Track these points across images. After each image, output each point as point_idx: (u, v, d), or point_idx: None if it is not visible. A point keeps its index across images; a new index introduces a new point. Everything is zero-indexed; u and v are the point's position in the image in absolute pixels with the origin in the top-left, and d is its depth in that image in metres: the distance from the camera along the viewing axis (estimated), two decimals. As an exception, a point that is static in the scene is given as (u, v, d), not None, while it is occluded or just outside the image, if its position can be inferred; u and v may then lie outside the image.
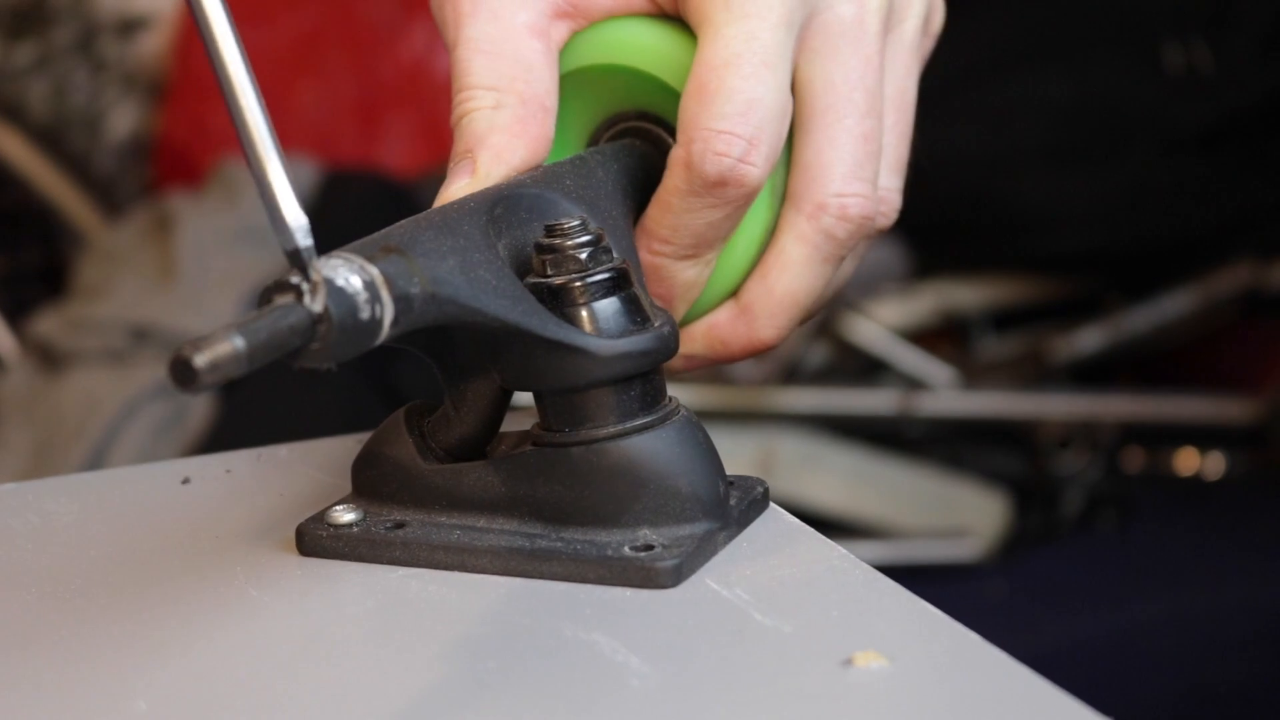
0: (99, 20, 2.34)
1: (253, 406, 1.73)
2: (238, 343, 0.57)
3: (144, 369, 1.78)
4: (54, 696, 0.62)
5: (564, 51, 0.79)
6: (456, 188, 0.73)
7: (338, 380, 1.70)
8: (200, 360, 0.56)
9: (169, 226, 1.94)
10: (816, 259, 0.78)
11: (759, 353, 0.80)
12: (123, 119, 2.38)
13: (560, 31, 0.78)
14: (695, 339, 0.80)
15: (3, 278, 2.22)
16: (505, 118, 0.74)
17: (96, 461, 1.72)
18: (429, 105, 2.34)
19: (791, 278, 0.78)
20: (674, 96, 0.78)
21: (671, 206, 0.75)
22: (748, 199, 0.75)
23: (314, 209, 1.91)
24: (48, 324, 1.87)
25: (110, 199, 2.27)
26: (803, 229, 0.77)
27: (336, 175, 1.98)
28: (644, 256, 0.77)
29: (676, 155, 0.75)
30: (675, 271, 0.77)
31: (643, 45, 0.78)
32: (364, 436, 0.75)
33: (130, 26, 2.34)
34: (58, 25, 2.33)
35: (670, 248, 0.76)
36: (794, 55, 0.76)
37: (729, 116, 0.74)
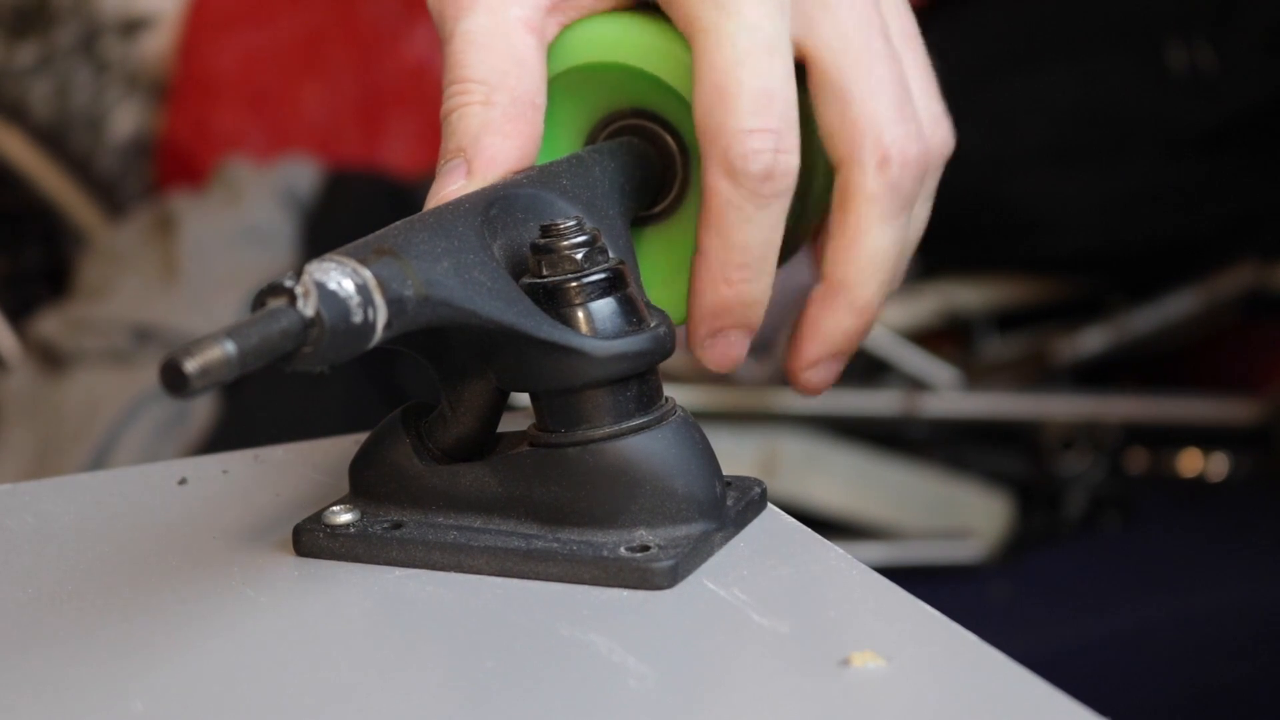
0: (101, 20, 2.34)
1: (256, 407, 1.73)
2: (228, 348, 0.57)
3: (146, 369, 1.78)
4: (50, 696, 0.62)
5: (558, 49, 0.79)
6: (450, 190, 0.72)
7: (341, 382, 1.70)
8: (190, 365, 0.56)
9: (171, 227, 1.94)
10: (892, 211, 0.77)
11: (871, 324, 0.79)
12: (125, 119, 2.38)
13: (552, 27, 0.78)
14: (811, 342, 0.79)
15: (5, 278, 2.22)
16: (497, 116, 0.74)
17: (99, 462, 1.72)
18: (432, 106, 2.33)
19: (875, 238, 0.78)
20: (671, 93, 0.77)
21: (729, 224, 0.75)
22: (790, 190, 0.75)
23: (316, 209, 1.91)
24: (50, 324, 1.88)
25: (112, 199, 2.27)
26: (871, 188, 0.77)
27: (339, 175, 1.98)
28: (722, 293, 0.75)
29: (713, 172, 0.74)
30: (760, 294, 0.76)
31: (637, 42, 0.78)
32: (361, 437, 0.75)
33: (133, 27, 2.34)
34: (60, 25, 2.33)
35: (748, 271, 0.75)
36: (791, 34, 0.76)
37: (755, 114, 0.74)
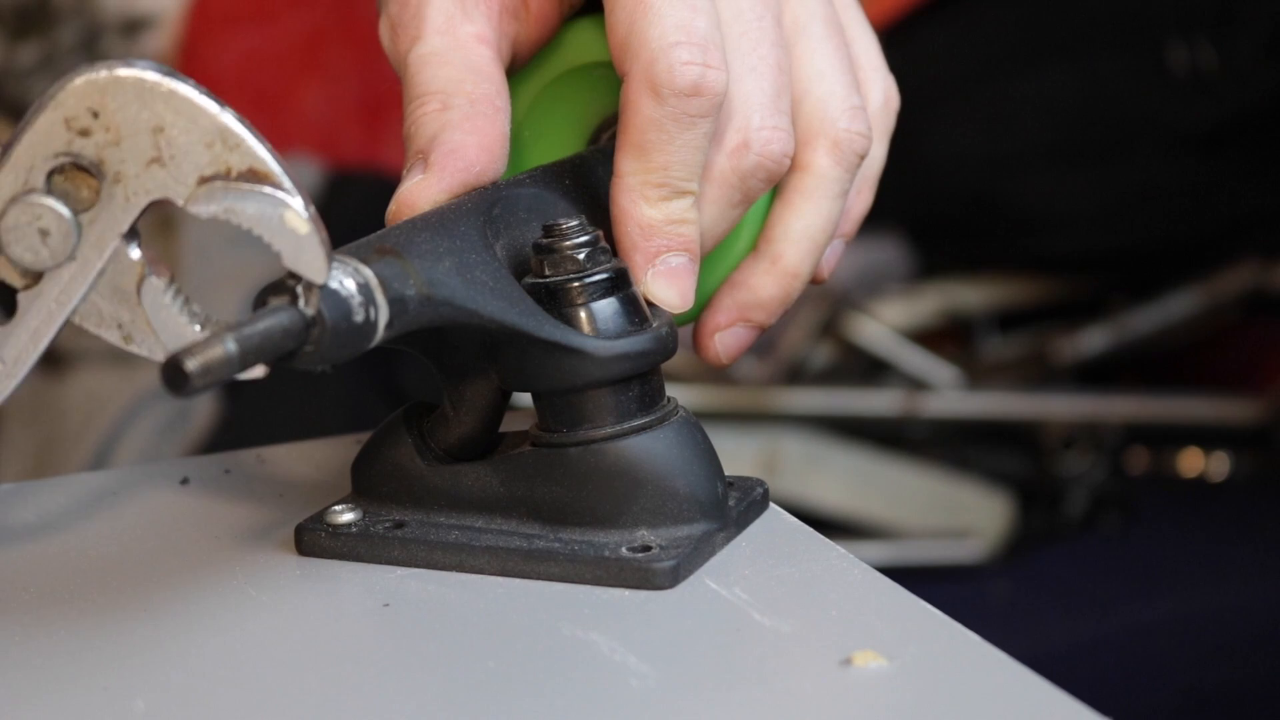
0: (103, 20, 2.34)
1: (257, 407, 1.73)
2: (230, 346, 0.57)
3: (147, 369, 1.78)
4: (53, 696, 0.62)
5: (556, 51, 0.79)
6: (410, 184, 0.71)
7: (343, 381, 1.70)
8: (191, 364, 0.57)
9: (172, 226, 1.94)
10: (731, 201, 0.75)
11: (788, 293, 0.77)
12: (126, 119, 2.38)
13: (507, 41, 0.76)
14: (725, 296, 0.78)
15: (6, 278, 2.22)
16: (454, 116, 0.72)
17: (100, 461, 1.72)
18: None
19: (703, 215, 0.74)
20: None
21: (650, 144, 0.72)
22: (716, 110, 0.72)
23: (317, 209, 1.91)
24: (51, 324, 1.87)
25: (114, 199, 2.26)
26: (721, 167, 0.74)
27: (340, 175, 1.98)
28: (645, 213, 0.72)
29: (634, 89, 0.71)
30: (684, 212, 0.73)
31: None
32: (363, 437, 0.76)
33: (134, 27, 2.34)
34: (61, 25, 2.33)
35: (667, 190, 0.72)
36: None
37: (680, 27, 0.71)
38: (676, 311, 0.72)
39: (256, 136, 0.61)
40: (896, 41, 1.53)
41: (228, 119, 0.61)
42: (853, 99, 0.77)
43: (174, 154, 0.61)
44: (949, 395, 1.84)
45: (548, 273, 0.69)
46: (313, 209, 0.60)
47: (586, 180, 0.75)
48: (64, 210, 0.62)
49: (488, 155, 0.72)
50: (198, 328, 0.63)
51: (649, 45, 0.71)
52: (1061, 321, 1.90)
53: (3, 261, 0.63)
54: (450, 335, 0.69)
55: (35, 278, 0.63)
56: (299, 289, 0.60)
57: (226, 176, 0.60)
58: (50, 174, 0.62)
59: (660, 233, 0.73)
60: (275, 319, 0.59)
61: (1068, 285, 1.92)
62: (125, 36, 2.35)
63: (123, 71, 0.61)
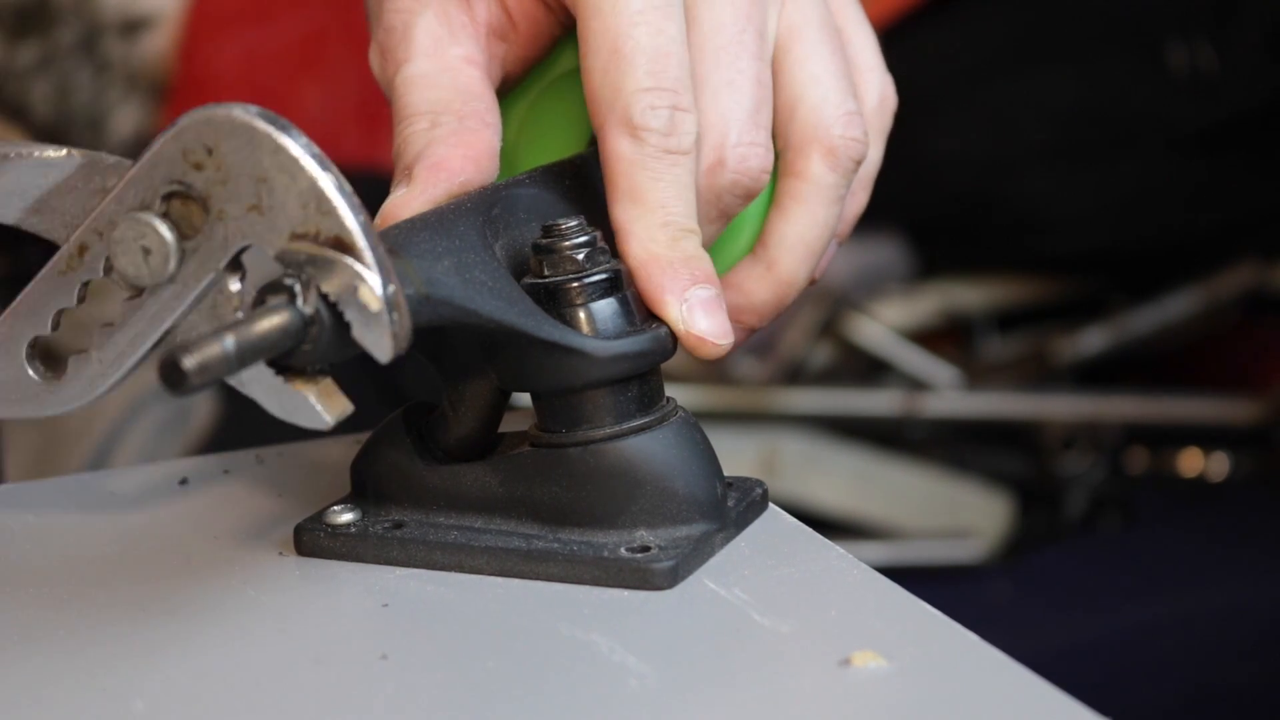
0: (102, 20, 2.34)
1: (257, 407, 1.73)
2: (227, 344, 0.58)
3: (146, 369, 1.78)
4: (52, 696, 0.62)
5: (560, 52, 0.79)
6: (395, 197, 0.71)
7: (342, 381, 1.70)
8: (189, 362, 0.57)
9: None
10: (707, 217, 0.75)
11: (769, 303, 0.77)
12: (126, 119, 2.38)
13: (495, 62, 0.77)
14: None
15: (5, 277, 2.22)
16: (442, 133, 0.73)
17: (100, 462, 1.72)
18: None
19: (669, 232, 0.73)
20: None
21: (640, 186, 0.72)
22: (692, 150, 0.72)
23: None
24: (51, 324, 1.87)
25: (113, 199, 2.26)
26: (697, 185, 0.74)
27: (339, 175, 1.98)
28: (662, 254, 0.71)
29: (613, 136, 0.71)
30: (696, 249, 0.72)
31: None
32: (363, 437, 0.76)
33: (133, 26, 2.34)
34: (61, 25, 2.33)
35: (673, 228, 0.72)
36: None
37: (651, 74, 0.71)
38: (723, 346, 0.71)
39: (350, 204, 0.61)
40: (896, 42, 1.53)
41: (325, 184, 0.61)
42: (848, 104, 0.77)
43: (272, 205, 0.62)
44: (948, 395, 1.84)
45: (547, 273, 0.69)
46: (392, 287, 0.61)
47: (586, 181, 0.75)
48: (168, 233, 0.64)
49: (474, 166, 0.73)
50: (274, 371, 0.64)
51: (623, 91, 0.72)
52: (1061, 321, 1.90)
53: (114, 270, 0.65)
54: (450, 335, 0.69)
55: (139, 290, 0.65)
56: (297, 288, 0.60)
57: (315, 238, 0.61)
58: (166, 197, 0.63)
59: (683, 267, 0.72)
60: (274, 317, 0.59)
61: (1067, 285, 1.92)
62: (125, 36, 2.35)
63: (238, 115, 0.62)
